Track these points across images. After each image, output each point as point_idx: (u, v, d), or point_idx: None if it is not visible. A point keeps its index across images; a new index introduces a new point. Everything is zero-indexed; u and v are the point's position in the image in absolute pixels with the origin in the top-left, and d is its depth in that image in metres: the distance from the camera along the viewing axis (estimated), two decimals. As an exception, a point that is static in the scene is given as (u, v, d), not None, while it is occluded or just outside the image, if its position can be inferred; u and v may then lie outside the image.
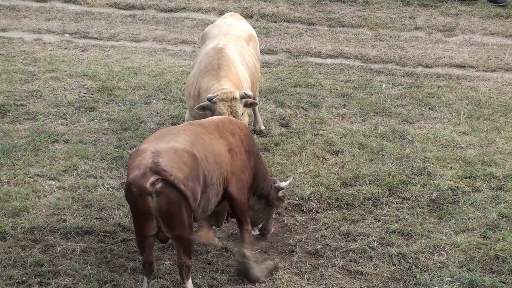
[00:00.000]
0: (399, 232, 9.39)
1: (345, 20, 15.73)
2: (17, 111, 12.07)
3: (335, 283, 8.62)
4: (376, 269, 8.81)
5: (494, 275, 8.71)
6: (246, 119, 9.90)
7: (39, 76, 13.23)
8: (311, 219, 9.69)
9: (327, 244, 9.20)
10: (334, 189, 10.12)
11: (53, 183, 10.30)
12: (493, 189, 10.19)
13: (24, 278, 8.62)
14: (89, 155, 10.89)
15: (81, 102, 12.40)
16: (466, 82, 13.21)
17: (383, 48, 14.55)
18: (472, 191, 10.14)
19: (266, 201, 9.01)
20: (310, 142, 11.26)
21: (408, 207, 9.84)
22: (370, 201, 9.98)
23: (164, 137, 8.16)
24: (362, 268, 8.82)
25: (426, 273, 8.72)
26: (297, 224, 9.59)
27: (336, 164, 10.75)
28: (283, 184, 9.14)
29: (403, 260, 8.93)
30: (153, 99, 12.51)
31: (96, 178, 10.40)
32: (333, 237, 9.31)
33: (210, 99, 9.49)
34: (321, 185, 10.18)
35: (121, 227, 9.43)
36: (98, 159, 10.80)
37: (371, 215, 9.70)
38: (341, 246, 9.14)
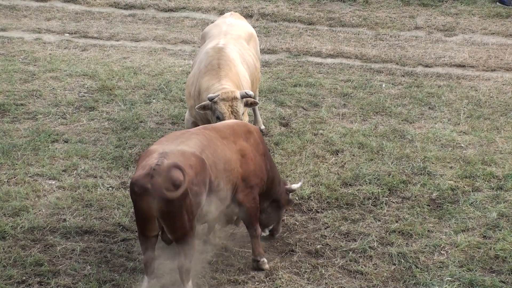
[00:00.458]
0: (399, 232, 9.38)
1: (345, 20, 15.72)
2: (17, 110, 12.07)
3: (335, 282, 8.62)
4: (376, 269, 8.80)
5: (494, 274, 8.71)
6: (246, 119, 9.90)
7: (39, 76, 13.22)
8: (311, 218, 9.69)
9: (327, 244, 9.19)
10: (334, 189, 10.12)
11: (53, 182, 10.29)
12: (493, 188, 10.19)
13: (24, 278, 8.62)
14: (89, 154, 10.88)
15: (81, 101, 12.40)
16: (466, 82, 13.21)
17: (383, 48, 14.54)
18: (472, 191, 10.14)
19: (278, 203, 9.04)
20: (310, 142, 11.25)
21: (408, 207, 9.84)
22: (370, 200, 9.97)
23: (175, 139, 8.17)
24: (362, 267, 8.81)
25: (426, 273, 8.72)
26: (297, 223, 9.59)
27: (336, 163, 10.75)
28: (294, 186, 9.17)
29: (403, 259, 8.93)
30: (153, 99, 12.50)
31: (96, 177, 10.40)
32: (333, 236, 9.31)
33: (211, 99, 9.48)
34: (321, 185, 10.18)
35: (121, 227, 9.43)
36: (98, 159, 10.79)
37: (371, 215, 9.70)
38: (341, 246, 9.14)
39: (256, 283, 8.59)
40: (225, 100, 9.49)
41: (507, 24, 15.42)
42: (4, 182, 10.24)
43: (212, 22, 12.07)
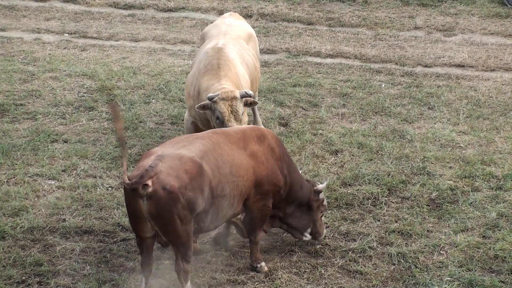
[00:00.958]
0: (398, 232, 9.39)
1: (345, 20, 15.73)
2: (16, 110, 12.07)
3: (335, 282, 8.62)
4: (375, 269, 8.81)
5: (493, 274, 8.71)
6: (245, 119, 9.90)
7: (39, 76, 13.22)
8: (311, 218, 9.69)
9: (327, 244, 9.19)
10: (334, 189, 10.12)
11: (53, 182, 10.29)
12: (492, 188, 10.19)
13: (24, 278, 8.62)
14: (88, 154, 10.88)
15: (81, 101, 12.40)
16: (465, 82, 13.21)
17: (382, 48, 14.55)
18: (471, 191, 10.14)
19: (307, 206, 8.95)
20: (309, 142, 11.25)
21: (408, 207, 9.85)
22: (370, 200, 9.98)
23: (178, 143, 8.16)
24: (361, 267, 8.82)
25: (426, 273, 8.72)
26: (297, 223, 9.59)
27: (335, 163, 10.75)
28: (320, 186, 9.00)
29: (403, 259, 8.93)
30: (153, 99, 12.50)
31: (95, 177, 10.40)
32: (332, 236, 9.31)
33: (211, 98, 9.48)
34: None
35: (120, 227, 9.43)
36: (97, 159, 10.80)
37: (370, 215, 9.70)
38: (340, 246, 9.14)
39: (256, 283, 8.59)
40: (224, 100, 9.49)
41: (506, 24, 15.43)
42: (4, 182, 10.24)
43: (212, 22, 12.07)
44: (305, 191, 8.91)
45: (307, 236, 9.07)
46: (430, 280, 8.60)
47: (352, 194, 10.07)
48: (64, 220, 9.55)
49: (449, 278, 8.63)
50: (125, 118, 11.84)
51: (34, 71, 13.37)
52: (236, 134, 8.48)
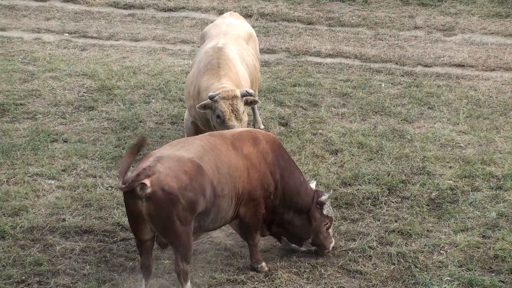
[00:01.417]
0: (398, 232, 9.39)
1: (345, 20, 15.72)
2: (16, 110, 12.07)
3: (334, 282, 8.62)
4: (375, 269, 8.80)
5: (493, 274, 8.71)
6: (245, 118, 9.91)
7: (39, 76, 13.22)
8: (311, 218, 9.68)
9: (327, 244, 9.19)
10: (333, 189, 10.11)
11: (53, 182, 10.29)
12: (492, 188, 10.19)
13: (24, 278, 8.62)
14: (88, 154, 10.88)
15: (81, 101, 12.40)
16: (465, 82, 13.21)
17: (382, 48, 14.55)
18: (471, 191, 10.14)
19: (308, 216, 8.80)
20: (309, 142, 11.25)
21: (408, 207, 9.84)
22: (370, 200, 9.98)
23: (177, 144, 8.17)
24: (361, 267, 8.81)
25: (426, 273, 8.72)
26: (297, 223, 9.58)
27: (335, 163, 10.75)
28: (322, 198, 8.82)
29: (402, 259, 8.93)
30: (152, 99, 12.50)
31: (95, 177, 10.40)
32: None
33: (211, 97, 9.48)
34: (320, 185, 10.18)
35: (120, 227, 9.43)
36: (97, 159, 10.80)
37: (370, 215, 9.70)
38: (340, 246, 9.14)
39: (256, 282, 8.59)
40: (225, 99, 9.49)
41: (506, 24, 15.43)
42: (4, 182, 10.24)
43: (212, 22, 12.07)
44: (305, 199, 8.79)
45: (308, 247, 8.94)
46: (430, 280, 8.60)
47: (352, 194, 10.07)
48: (64, 219, 9.55)
49: (449, 278, 8.63)
50: (125, 117, 11.84)
51: (34, 71, 13.37)
52: (232, 136, 8.49)
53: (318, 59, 14.13)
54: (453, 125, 11.76)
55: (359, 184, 10.27)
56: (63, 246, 9.13)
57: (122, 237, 9.26)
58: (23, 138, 11.24)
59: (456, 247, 9.10)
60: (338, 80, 13.25)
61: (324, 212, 8.82)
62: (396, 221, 9.58)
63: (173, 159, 7.91)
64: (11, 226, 9.39)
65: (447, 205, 9.84)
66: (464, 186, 10.23)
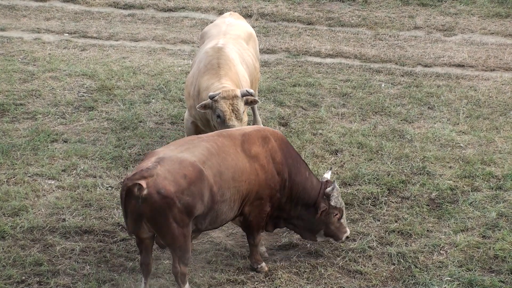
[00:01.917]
0: (398, 232, 9.39)
1: (344, 20, 15.72)
2: (16, 110, 12.07)
3: (334, 282, 8.62)
4: (375, 269, 8.81)
5: (493, 274, 8.72)
6: (245, 118, 9.91)
7: (38, 76, 13.22)
8: (311, 218, 9.68)
9: (326, 244, 9.19)
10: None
11: (52, 182, 10.29)
12: (492, 188, 10.19)
13: (24, 278, 8.62)
14: (88, 154, 10.88)
15: (80, 101, 12.40)
16: (465, 82, 13.21)
17: (382, 48, 14.55)
18: (471, 191, 10.14)
19: (315, 208, 8.77)
20: (309, 142, 11.25)
21: (408, 207, 9.85)
22: (369, 200, 9.98)
23: (182, 145, 8.12)
24: (361, 267, 8.82)
25: (426, 273, 8.72)
26: (297, 223, 9.58)
27: (335, 163, 10.75)
28: (328, 189, 8.79)
29: (402, 259, 8.93)
30: (152, 99, 12.50)
31: (95, 177, 10.40)
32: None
33: (212, 97, 9.48)
34: (320, 185, 10.17)
35: (120, 227, 9.43)
36: (97, 159, 10.80)
37: (370, 215, 9.70)
38: (340, 246, 9.14)
39: (256, 282, 8.60)
40: (226, 99, 9.49)
41: (506, 24, 15.43)
42: (4, 182, 10.25)
43: (212, 22, 12.07)
44: (311, 193, 8.77)
45: (323, 238, 8.92)
46: (430, 280, 8.60)
47: (352, 194, 10.07)
48: (64, 220, 9.55)
49: (449, 278, 8.63)
50: (125, 117, 11.84)
51: (34, 71, 13.37)
52: (240, 136, 8.42)
53: (318, 59, 14.13)
54: (453, 125, 11.77)
55: (359, 184, 10.27)
56: (63, 246, 9.13)
57: (122, 237, 9.26)
58: (23, 138, 11.24)
59: (456, 247, 9.11)
60: (338, 80, 13.25)
61: (332, 203, 8.77)
62: (396, 221, 9.58)
63: (174, 161, 7.89)
64: (11, 226, 9.39)
65: (447, 205, 9.85)
66: (464, 186, 10.23)
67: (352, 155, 10.95)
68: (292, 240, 9.26)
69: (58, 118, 11.91)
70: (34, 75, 13.26)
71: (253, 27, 12.69)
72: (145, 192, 7.69)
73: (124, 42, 14.79)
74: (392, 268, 8.84)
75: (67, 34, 15.10)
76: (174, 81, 13.08)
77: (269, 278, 8.64)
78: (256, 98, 10.23)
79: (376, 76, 13.42)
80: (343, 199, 9.93)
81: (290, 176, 8.63)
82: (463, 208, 9.79)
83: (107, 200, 9.89)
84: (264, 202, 8.50)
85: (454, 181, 10.32)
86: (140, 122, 11.81)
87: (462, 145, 11.23)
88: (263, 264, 8.73)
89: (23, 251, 9.01)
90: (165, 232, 7.86)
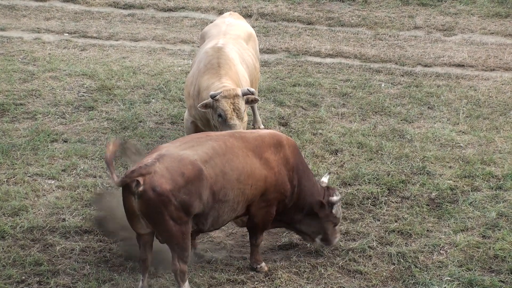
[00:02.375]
0: (398, 232, 9.39)
1: (344, 20, 15.72)
2: (16, 110, 12.07)
3: (334, 282, 8.62)
4: (375, 269, 8.80)
5: (493, 274, 8.71)
6: (245, 118, 9.91)
7: (38, 76, 13.22)
8: (311, 218, 9.68)
9: (326, 244, 9.19)
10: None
11: (52, 182, 10.29)
12: (492, 188, 10.19)
13: (23, 277, 8.62)
14: (88, 154, 10.88)
15: (80, 101, 12.40)
16: (465, 82, 13.21)
17: (382, 48, 14.55)
18: (471, 191, 10.14)
19: (316, 214, 8.82)
20: (309, 142, 11.25)
21: (407, 207, 9.84)
22: (369, 200, 9.97)
23: (188, 142, 8.11)
24: (361, 267, 8.81)
25: (426, 273, 8.72)
26: (296, 223, 9.58)
27: (335, 163, 10.75)
28: (334, 199, 8.80)
29: (402, 259, 8.93)
30: (152, 99, 12.50)
31: (95, 177, 10.40)
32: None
33: (213, 96, 9.47)
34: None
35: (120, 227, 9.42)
36: (97, 158, 10.79)
37: (370, 215, 9.70)
38: (340, 246, 9.14)
39: (256, 282, 8.59)
40: (227, 98, 9.48)
41: (506, 23, 15.43)
42: (4, 181, 10.24)
43: (211, 22, 12.07)
44: (316, 199, 8.79)
45: (317, 242, 8.98)
46: (430, 280, 8.60)
47: (352, 193, 10.07)
48: (64, 219, 9.55)
49: (449, 278, 8.63)
50: (124, 117, 11.83)
51: (34, 71, 13.37)
52: (254, 141, 8.36)
53: (318, 59, 14.13)
54: (453, 125, 11.77)
55: (359, 184, 10.27)
56: (63, 246, 9.13)
57: (122, 237, 9.25)
58: (23, 138, 11.24)
59: (456, 247, 9.10)
60: (338, 80, 13.25)
61: (333, 211, 8.82)
62: (396, 221, 9.58)
63: (174, 159, 7.89)
64: (11, 226, 9.39)
65: (447, 205, 9.85)
66: (464, 186, 10.23)
67: (352, 155, 10.95)
68: (292, 240, 9.26)
69: (58, 118, 11.91)
70: (34, 75, 13.26)
71: (253, 27, 12.69)
72: (140, 188, 7.72)
73: (124, 42, 14.80)
74: (392, 268, 8.83)
75: (67, 34, 15.10)
76: (174, 81, 13.08)
77: (269, 278, 8.64)
78: (257, 97, 10.24)
79: (376, 76, 13.42)
80: (343, 199, 9.95)
81: (300, 182, 8.63)
82: (463, 208, 9.79)
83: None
84: (271, 206, 8.50)
85: (454, 181, 10.32)
86: (140, 122, 11.81)
87: (462, 145, 11.23)
88: (263, 264, 8.74)
89: (23, 251, 9.00)
90: (162, 229, 7.89)
